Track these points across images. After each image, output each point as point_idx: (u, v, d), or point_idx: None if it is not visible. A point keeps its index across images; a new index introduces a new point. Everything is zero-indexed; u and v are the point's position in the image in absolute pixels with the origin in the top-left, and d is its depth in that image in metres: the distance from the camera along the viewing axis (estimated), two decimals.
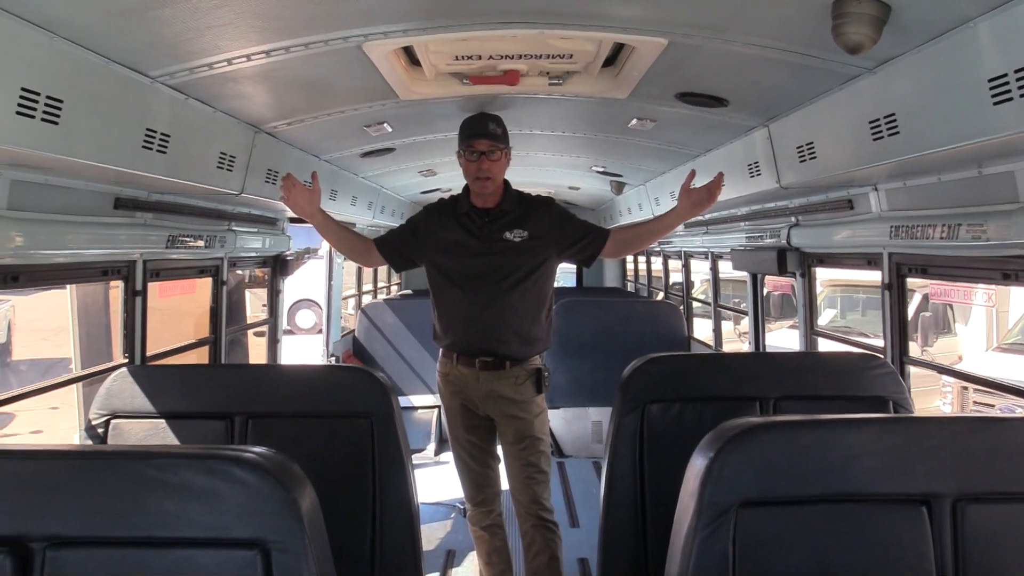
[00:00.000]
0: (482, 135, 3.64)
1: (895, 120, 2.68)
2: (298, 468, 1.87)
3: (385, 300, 8.33)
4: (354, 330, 8.00)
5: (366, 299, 8.78)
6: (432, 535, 5.42)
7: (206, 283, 4.60)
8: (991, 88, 2.15)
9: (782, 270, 4.80)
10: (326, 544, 1.86)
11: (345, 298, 8.06)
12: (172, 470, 1.76)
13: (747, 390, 3.27)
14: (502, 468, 4.04)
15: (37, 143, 2.25)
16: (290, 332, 17.80)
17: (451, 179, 6.77)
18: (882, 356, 3.58)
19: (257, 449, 1.84)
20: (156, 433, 3.15)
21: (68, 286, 4.37)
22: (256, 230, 4.96)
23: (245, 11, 2.32)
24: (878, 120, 2.77)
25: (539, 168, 6.60)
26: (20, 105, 2.12)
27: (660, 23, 2.67)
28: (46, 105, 2.21)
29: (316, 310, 18.51)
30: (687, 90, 3.44)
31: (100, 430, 3.16)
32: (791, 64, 2.82)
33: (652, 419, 3.20)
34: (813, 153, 3.39)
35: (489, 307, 3.72)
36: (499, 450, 4.01)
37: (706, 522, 1.93)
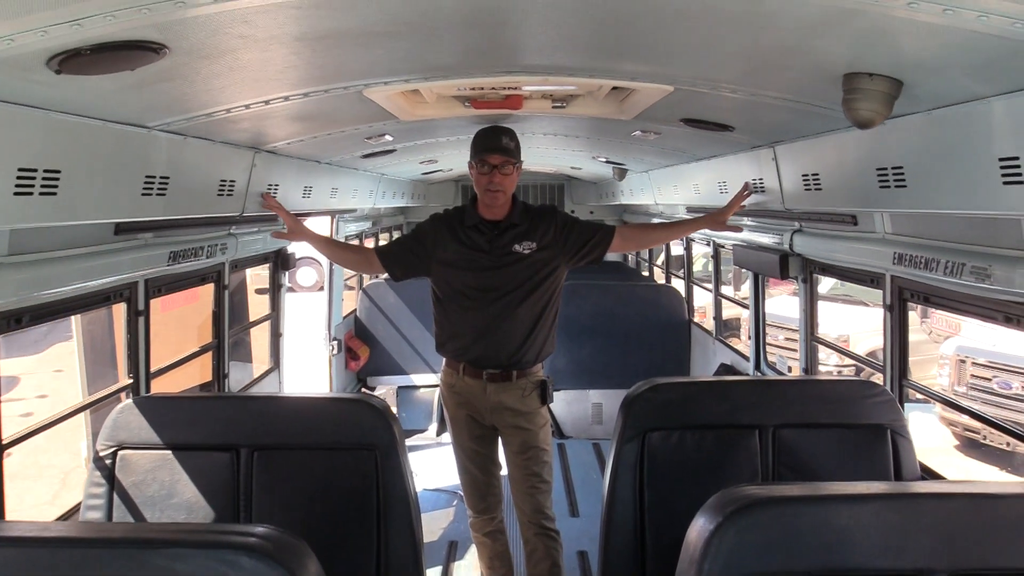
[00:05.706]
0: (495, 150, 3.63)
1: (903, 173, 2.64)
2: (305, 545, 1.90)
3: (386, 280, 8.32)
4: (355, 311, 8.01)
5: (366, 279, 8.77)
6: (434, 525, 5.49)
7: (208, 289, 4.60)
8: (1002, 167, 2.11)
9: (784, 274, 4.78)
10: None
11: (347, 280, 8.07)
12: (181, 560, 1.78)
13: (747, 418, 3.29)
14: (503, 474, 4.11)
15: (37, 216, 2.22)
16: (291, 290, 17.81)
17: (451, 161, 6.69)
18: (880, 384, 3.59)
19: (261, 530, 1.87)
20: (163, 465, 3.18)
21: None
22: (256, 229, 4.94)
23: (246, 77, 2.27)
24: (886, 169, 2.73)
25: (541, 154, 6.53)
26: (18, 185, 2.09)
27: (667, 76, 2.61)
28: (43, 179, 2.18)
29: (317, 267, 18.50)
30: (692, 118, 3.38)
31: (108, 461, 3.19)
32: (798, 110, 2.77)
33: (653, 446, 3.22)
34: (819, 184, 3.34)
35: (498, 320, 3.73)
36: (500, 457, 4.07)
37: None
